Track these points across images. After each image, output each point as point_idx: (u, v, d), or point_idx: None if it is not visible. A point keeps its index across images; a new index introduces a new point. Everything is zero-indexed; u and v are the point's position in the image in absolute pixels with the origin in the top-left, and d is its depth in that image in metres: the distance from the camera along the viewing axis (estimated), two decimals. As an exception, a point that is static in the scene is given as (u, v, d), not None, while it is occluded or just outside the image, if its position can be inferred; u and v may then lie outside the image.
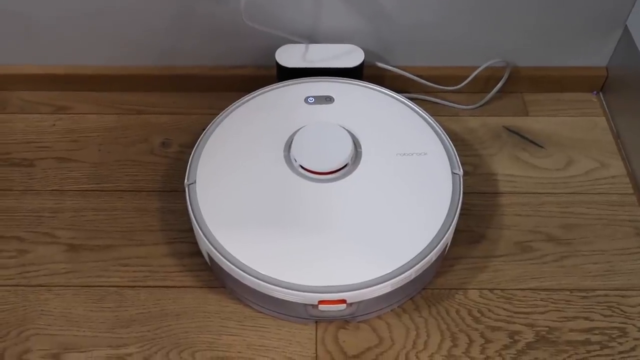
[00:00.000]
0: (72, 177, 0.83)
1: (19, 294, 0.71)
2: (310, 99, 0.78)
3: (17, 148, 0.86)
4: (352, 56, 0.85)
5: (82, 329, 0.69)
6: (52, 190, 0.81)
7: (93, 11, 0.84)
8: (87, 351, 0.67)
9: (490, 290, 0.72)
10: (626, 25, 0.86)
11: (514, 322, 0.69)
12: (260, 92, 0.80)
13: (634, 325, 0.69)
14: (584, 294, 0.72)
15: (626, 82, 0.87)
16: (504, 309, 0.71)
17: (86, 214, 0.79)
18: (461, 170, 0.72)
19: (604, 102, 0.92)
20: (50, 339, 0.68)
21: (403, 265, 0.65)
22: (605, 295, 0.72)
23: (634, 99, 0.85)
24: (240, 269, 0.65)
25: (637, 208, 0.79)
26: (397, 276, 0.64)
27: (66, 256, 0.75)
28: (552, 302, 0.71)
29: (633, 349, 0.68)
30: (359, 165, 0.72)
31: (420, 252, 0.66)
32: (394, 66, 0.89)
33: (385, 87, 0.81)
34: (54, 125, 0.89)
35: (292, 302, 0.65)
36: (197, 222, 0.68)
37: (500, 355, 0.67)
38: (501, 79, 0.90)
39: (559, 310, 0.70)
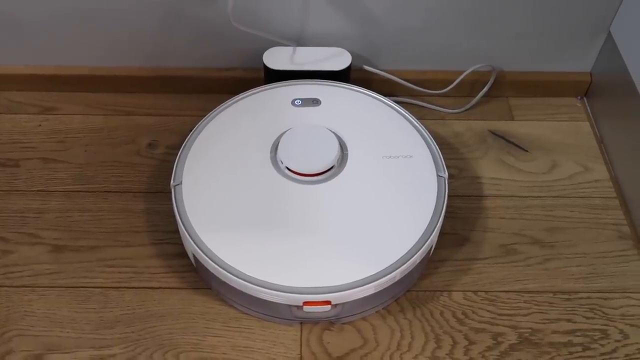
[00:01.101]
0: (58, 177, 0.82)
1: (2, 295, 0.71)
2: (298, 101, 0.79)
3: (2, 148, 0.85)
4: (339, 59, 0.85)
5: (66, 329, 0.69)
6: (38, 190, 0.81)
7: (81, 12, 0.84)
8: (70, 352, 0.67)
9: (475, 292, 0.73)
10: (609, 32, 0.87)
11: (498, 324, 0.70)
12: (247, 94, 0.80)
13: (615, 327, 0.70)
14: (566, 296, 0.72)
15: (610, 87, 0.89)
16: (488, 311, 0.71)
17: (71, 215, 0.78)
18: (446, 173, 0.73)
19: (588, 107, 0.93)
20: (34, 339, 0.68)
21: (388, 267, 0.65)
22: (588, 298, 0.72)
23: (617, 103, 0.86)
24: (226, 270, 0.65)
25: (619, 212, 0.80)
26: (381, 278, 0.65)
27: (51, 257, 0.74)
28: (535, 304, 0.72)
29: (614, 350, 0.68)
30: (345, 168, 0.72)
31: (405, 254, 0.66)
32: (381, 69, 0.89)
33: (372, 90, 0.81)
34: (40, 125, 0.89)
35: (276, 303, 0.65)
36: (182, 223, 0.68)
37: (483, 356, 0.68)
38: (487, 83, 0.91)
39: (542, 312, 0.71)
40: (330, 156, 0.71)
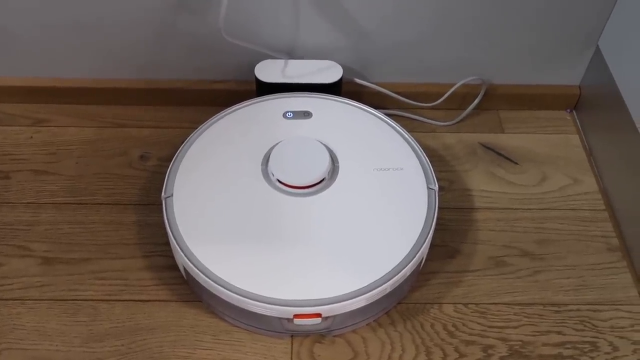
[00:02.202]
0: (49, 190, 0.82)
1: (-9, 308, 0.71)
2: (289, 114, 0.79)
3: (-7, 160, 0.85)
4: (330, 72, 0.86)
5: (55, 343, 0.68)
6: (28, 202, 0.81)
7: (74, 24, 0.84)
8: (59, 365, 0.67)
9: (465, 304, 0.73)
10: (598, 46, 0.88)
11: (488, 337, 0.70)
12: (239, 106, 0.81)
13: (605, 339, 0.70)
14: (556, 308, 0.73)
15: (598, 100, 0.89)
16: (478, 323, 0.71)
17: (62, 227, 0.78)
18: (437, 185, 0.73)
19: (577, 120, 0.94)
20: (22, 353, 0.67)
21: (378, 279, 0.65)
22: (578, 310, 0.73)
23: (606, 116, 0.87)
24: (216, 283, 0.65)
25: (608, 224, 0.81)
26: (372, 290, 0.65)
27: (41, 269, 0.74)
28: (525, 317, 0.72)
29: (604, 363, 0.69)
30: (336, 180, 0.73)
31: (396, 266, 0.66)
32: (372, 82, 0.90)
33: (363, 103, 0.82)
34: (32, 137, 0.88)
35: (267, 316, 0.65)
36: (173, 235, 0.68)
37: (474, 369, 0.68)
38: (477, 96, 0.92)
39: (532, 325, 0.71)
40: (321, 168, 0.72)
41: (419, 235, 0.69)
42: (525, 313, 0.72)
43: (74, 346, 0.68)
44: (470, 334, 0.70)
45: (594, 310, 0.73)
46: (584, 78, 0.92)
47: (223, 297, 0.65)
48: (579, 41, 0.88)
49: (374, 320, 0.71)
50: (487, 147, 0.89)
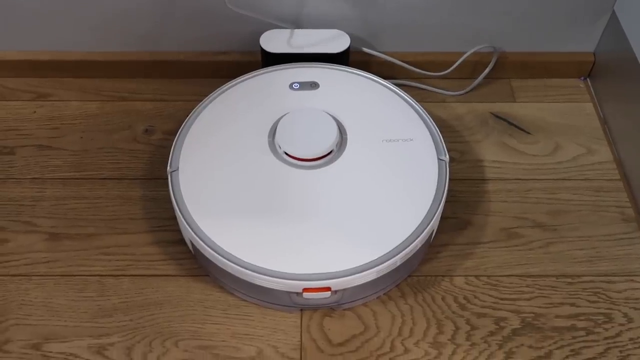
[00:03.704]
0: (53, 165, 0.81)
1: (-2, 284, 0.70)
2: (295, 85, 0.77)
3: (-4, 136, 0.84)
4: (337, 42, 0.83)
5: (63, 318, 0.68)
6: (33, 178, 0.80)
7: (75, -4, 0.82)
8: (68, 341, 0.66)
9: (477, 277, 0.72)
10: (613, 11, 0.85)
11: (500, 309, 0.69)
12: (244, 78, 0.79)
13: (619, 311, 0.69)
14: (569, 280, 0.72)
15: (613, 67, 0.87)
16: (490, 296, 0.70)
17: (67, 202, 0.77)
18: (447, 156, 0.72)
19: (592, 88, 0.91)
20: (31, 329, 0.67)
21: (388, 252, 0.64)
22: (591, 282, 0.72)
23: (621, 84, 0.85)
24: (224, 257, 0.64)
25: (623, 194, 0.79)
26: (382, 263, 0.64)
27: (47, 245, 0.74)
28: (538, 289, 0.71)
29: (618, 334, 0.68)
30: (344, 152, 0.71)
31: (406, 239, 0.65)
32: (380, 52, 0.88)
33: (371, 73, 0.80)
34: (35, 112, 0.87)
35: (276, 290, 0.64)
36: (179, 209, 0.67)
37: (486, 341, 0.67)
38: (488, 64, 0.89)
39: (544, 297, 0.70)
40: (329, 140, 0.70)
41: (430, 208, 0.67)
42: (537, 285, 0.71)
43: (83, 321, 0.68)
44: (482, 307, 0.69)
45: (608, 282, 0.71)
46: (599, 45, 0.90)
47: (231, 271, 0.65)
48: (594, 6, 0.85)
49: (384, 294, 0.70)
50: (499, 117, 0.87)
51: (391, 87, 0.78)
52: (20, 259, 0.72)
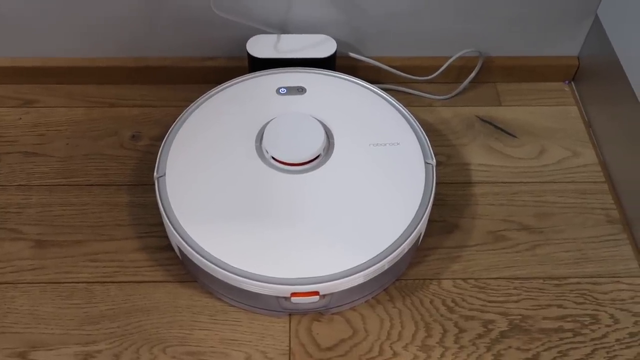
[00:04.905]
0: (39, 171, 0.81)
1: (-16, 292, 0.70)
2: (282, 89, 0.77)
3: (-19, 143, 0.84)
4: (324, 46, 0.84)
5: (50, 326, 0.67)
6: (19, 185, 0.79)
7: (62, 2, 0.82)
8: (55, 349, 0.66)
9: (464, 279, 0.72)
10: (597, 15, 0.86)
11: (488, 311, 0.70)
12: (231, 83, 0.79)
13: (605, 312, 0.70)
14: (556, 282, 0.72)
15: (597, 71, 0.88)
16: (478, 298, 0.71)
17: (54, 209, 0.77)
18: (434, 160, 0.72)
19: (576, 92, 0.92)
20: (17, 337, 0.67)
21: (376, 256, 0.65)
22: (578, 283, 0.72)
23: (605, 87, 0.86)
24: (211, 262, 0.64)
25: (607, 196, 0.80)
26: (370, 267, 0.64)
27: (33, 252, 0.73)
28: (525, 291, 0.71)
29: (605, 335, 0.68)
30: (332, 156, 0.71)
31: (394, 243, 0.65)
32: (366, 56, 0.88)
33: (358, 78, 0.80)
34: (21, 119, 0.87)
35: (264, 295, 0.64)
36: (167, 215, 0.67)
37: (474, 344, 0.67)
38: (474, 68, 0.90)
39: (532, 299, 0.71)
40: (316, 145, 0.70)
41: (417, 211, 0.68)
42: (525, 287, 0.71)
43: (70, 329, 0.67)
44: (470, 309, 0.70)
45: (594, 283, 0.72)
46: (583, 49, 0.91)
47: (219, 276, 0.64)
48: (577, 10, 0.86)
49: (372, 298, 0.70)
50: (485, 121, 0.88)
51: (378, 91, 0.79)
52: (7, 267, 0.72)
